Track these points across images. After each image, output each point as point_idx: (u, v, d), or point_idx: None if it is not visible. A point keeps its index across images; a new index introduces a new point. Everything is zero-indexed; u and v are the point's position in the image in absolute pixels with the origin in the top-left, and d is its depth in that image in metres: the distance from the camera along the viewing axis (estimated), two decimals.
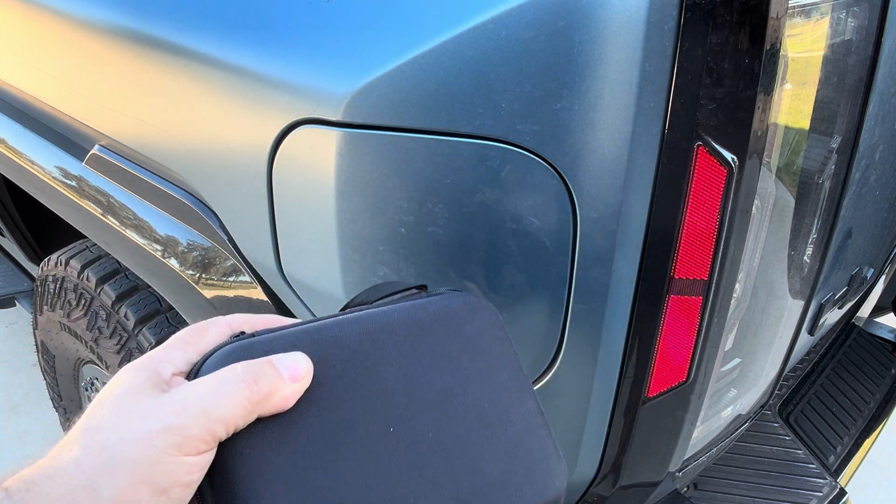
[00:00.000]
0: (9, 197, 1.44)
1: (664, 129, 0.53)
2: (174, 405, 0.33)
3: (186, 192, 0.76)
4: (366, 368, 0.39)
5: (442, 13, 0.52)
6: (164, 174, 0.78)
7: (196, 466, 0.33)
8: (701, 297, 0.61)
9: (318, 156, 0.57)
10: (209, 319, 0.40)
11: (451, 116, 0.52)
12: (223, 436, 0.34)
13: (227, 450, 0.35)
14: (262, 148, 0.60)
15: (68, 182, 0.97)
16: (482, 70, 0.50)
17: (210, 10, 0.66)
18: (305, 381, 0.37)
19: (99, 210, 0.92)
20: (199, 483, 0.34)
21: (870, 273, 1.07)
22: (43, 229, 1.53)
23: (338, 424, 0.37)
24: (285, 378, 0.36)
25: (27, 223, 1.51)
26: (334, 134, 0.55)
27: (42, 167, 1.02)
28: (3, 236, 1.56)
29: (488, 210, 0.54)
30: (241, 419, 0.34)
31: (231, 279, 0.75)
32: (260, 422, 0.36)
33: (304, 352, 0.38)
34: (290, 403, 0.36)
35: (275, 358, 0.37)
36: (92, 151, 0.88)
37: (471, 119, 0.52)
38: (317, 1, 0.57)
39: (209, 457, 0.34)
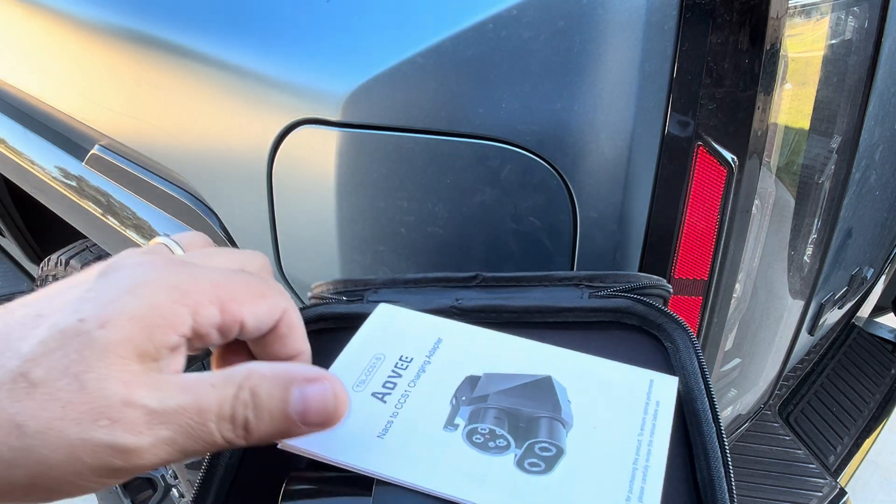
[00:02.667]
0: (9, 197, 1.44)
1: (664, 129, 0.53)
2: (133, 407, 0.25)
3: (186, 192, 0.76)
4: None
5: (441, 13, 0.52)
6: (164, 174, 0.78)
7: (116, 481, 0.26)
8: (701, 297, 0.61)
9: (318, 156, 0.57)
10: (269, 286, 0.32)
11: (451, 116, 0.52)
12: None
13: None
14: (262, 148, 0.60)
15: (68, 182, 0.97)
16: (482, 70, 0.50)
17: (210, 10, 0.66)
18: (324, 426, 0.29)
19: (99, 210, 0.92)
20: None
21: (870, 273, 1.07)
22: (43, 229, 1.53)
23: None
24: (290, 416, 0.28)
25: (27, 223, 1.51)
26: (334, 134, 0.55)
27: (42, 167, 1.02)
28: (3, 236, 1.56)
29: (488, 210, 0.54)
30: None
31: None
32: None
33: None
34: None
35: (300, 377, 0.29)
36: (92, 151, 0.88)
37: (471, 119, 0.52)
38: (317, 1, 0.57)
39: None
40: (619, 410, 0.31)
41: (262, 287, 0.31)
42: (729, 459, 0.29)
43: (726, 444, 0.30)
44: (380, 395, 0.32)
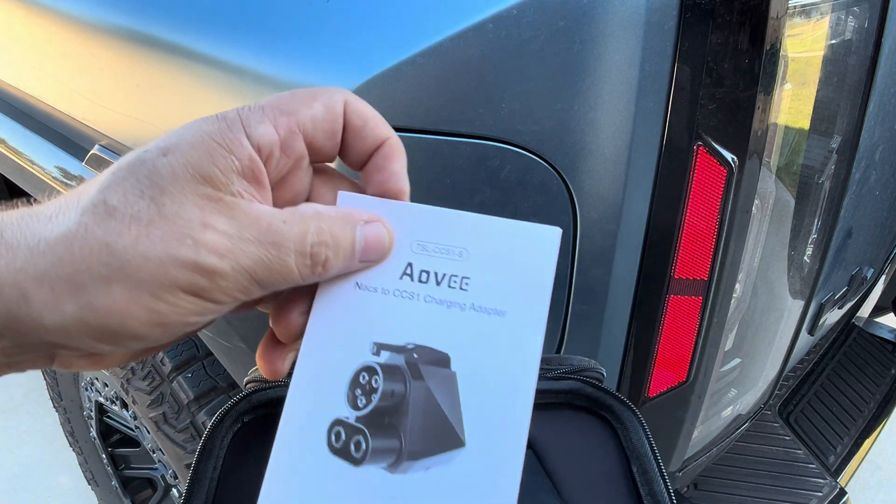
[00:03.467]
0: (9, 197, 1.44)
1: (664, 129, 0.53)
2: (213, 231, 0.26)
3: None
4: None
5: (442, 13, 0.52)
6: None
7: (208, 310, 0.27)
8: (701, 297, 0.61)
9: None
10: (320, 88, 0.32)
11: (451, 116, 0.52)
12: (246, 295, 0.28)
13: None
14: None
15: (68, 182, 0.97)
16: (482, 70, 0.50)
17: (210, 10, 0.66)
18: (376, 262, 0.31)
19: None
20: (209, 322, 0.29)
21: (870, 273, 1.07)
22: None
23: None
24: (355, 254, 0.30)
25: None
26: None
27: (42, 167, 1.02)
28: None
29: (488, 210, 0.54)
30: (279, 287, 0.29)
31: None
32: None
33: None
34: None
35: (360, 217, 0.30)
36: (92, 151, 0.88)
37: (471, 119, 0.52)
38: (317, 1, 0.57)
39: (220, 310, 0.28)
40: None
41: (310, 91, 0.31)
42: None
43: None
44: (413, 274, 0.31)
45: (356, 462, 0.29)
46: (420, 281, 0.31)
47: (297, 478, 0.29)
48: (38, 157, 1.02)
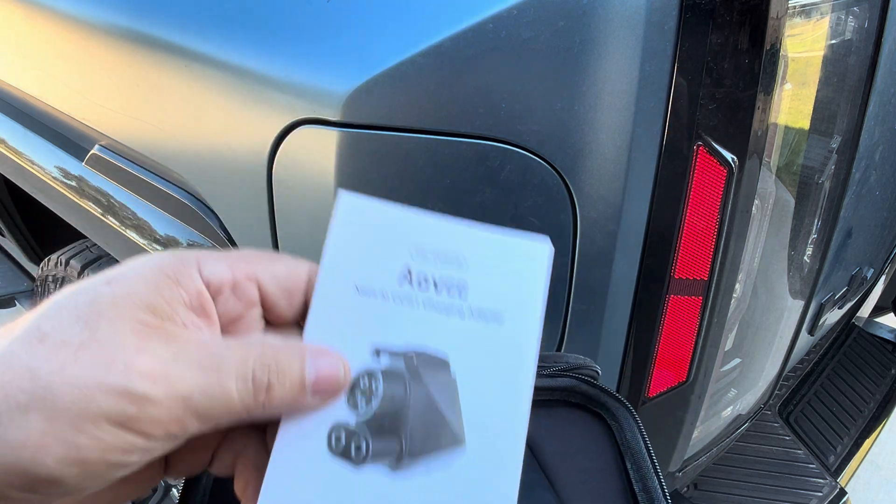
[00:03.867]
0: (9, 197, 1.44)
1: (664, 129, 0.53)
2: (148, 355, 0.25)
3: (186, 192, 0.76)
4: None
5: (442, 13, 0.52)
6: (164, 174, 0.78)
7: (136, 447, 0.25)
8: (701, 297, 0.61)
9: (318, 156, 0.57)
10: (290, 256, 0.31)
11: (451, 116, 0.52)
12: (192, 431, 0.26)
13: None
14: (263, 148, 0.60)
15: (68, 182, 0.97)
16: (482, 70, 0.50)
17: (210, 10, 0.66)
18: (330, 396, 0.29)
19: (99, 210, 0.92)
20: (138, 465, 0.26)
21: (870, 273, 1.07)
22: (43, 229, 1.53)
23: None
24: (306, 386, 0.28)
25: (27, 223, 1.51)
26: (334, 134, 0.55)
27: (42, 167, 1.02)
28: (3, 236, 1.56)
29: (488, 210, 0.54)
30: (225, 421, 0.27)
31: None
32: None
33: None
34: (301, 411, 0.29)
35: (311, 350, 0.29)
36: (92, 151, 0.88)
37: (471, 119, 0.52)
38: (317, 1, 0.57)
39: (161, 447, 0.26)
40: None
41: (278, 255, 0.31)
42: None
43: None
44: (412, 279, 0.31)
45: (356, 465, 0.29)
46: (419, 287, 0.31)
47: (297, 480, 0.29)
48: (38, 157, 1.02)
